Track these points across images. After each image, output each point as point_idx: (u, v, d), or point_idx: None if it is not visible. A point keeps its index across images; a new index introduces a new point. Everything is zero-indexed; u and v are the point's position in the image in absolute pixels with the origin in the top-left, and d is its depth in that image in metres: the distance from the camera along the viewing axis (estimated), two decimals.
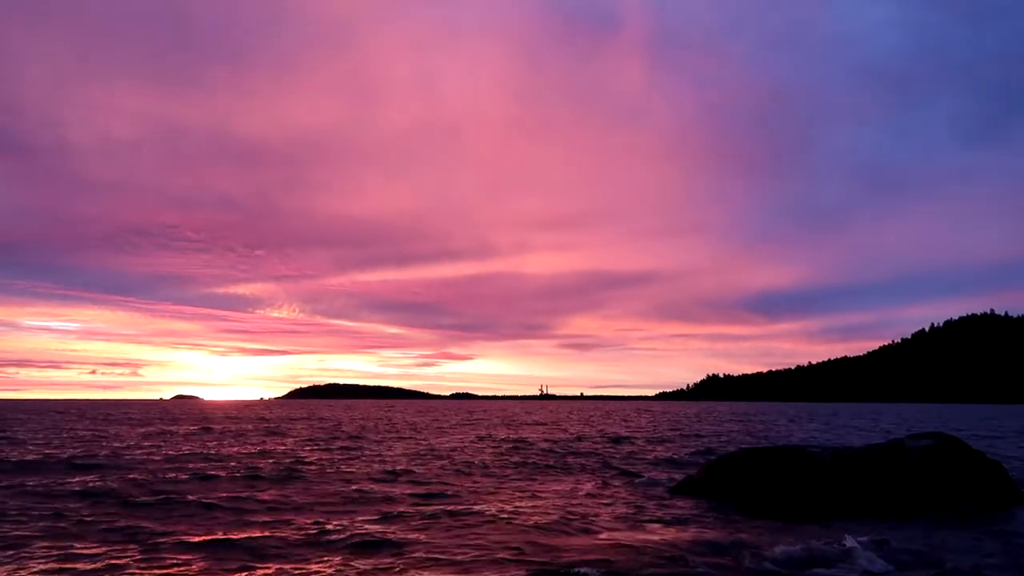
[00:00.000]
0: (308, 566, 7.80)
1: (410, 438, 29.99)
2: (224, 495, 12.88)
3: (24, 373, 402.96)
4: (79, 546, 8.69)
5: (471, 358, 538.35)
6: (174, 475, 15.59)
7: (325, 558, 8.17)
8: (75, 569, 7.62)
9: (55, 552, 8.37)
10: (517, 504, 12.05)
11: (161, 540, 9.07)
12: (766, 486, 12.74)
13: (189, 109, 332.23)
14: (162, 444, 25.44)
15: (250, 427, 39.02)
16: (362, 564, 7.86)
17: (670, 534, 9.61)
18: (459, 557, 8.14)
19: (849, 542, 8.78)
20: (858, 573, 7.49)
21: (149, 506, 11.74)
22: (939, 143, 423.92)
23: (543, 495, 13.31)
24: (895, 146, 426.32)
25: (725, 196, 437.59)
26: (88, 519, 10.48)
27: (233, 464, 18.17)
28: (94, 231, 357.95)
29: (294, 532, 9.66)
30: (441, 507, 11.58)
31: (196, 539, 9.15)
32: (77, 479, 14.85)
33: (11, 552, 8.36)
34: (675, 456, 21.34)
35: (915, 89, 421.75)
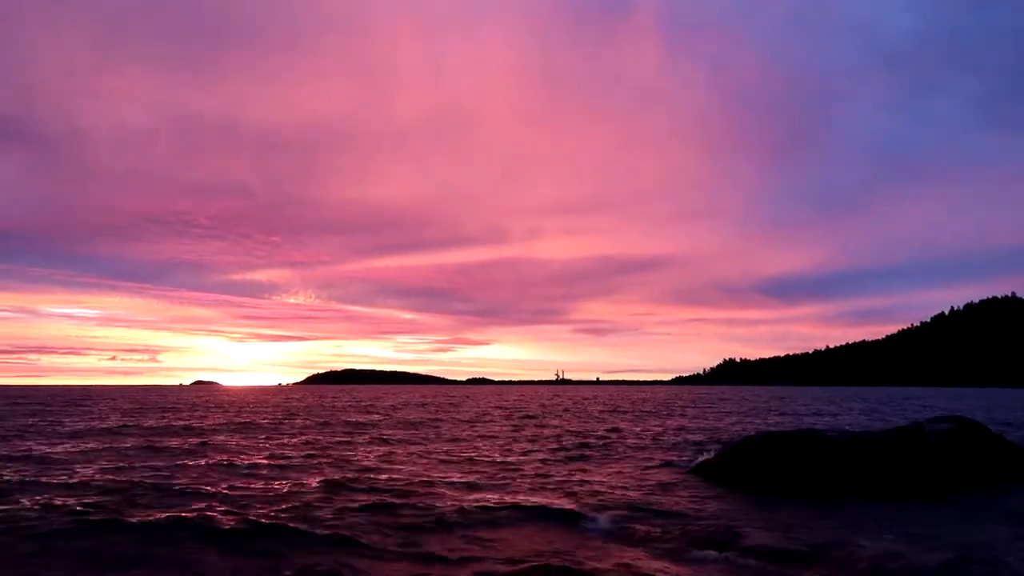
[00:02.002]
0: None
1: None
2: None
3: (45, 360, 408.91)
4: None
5: (487, 343, 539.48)
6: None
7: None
8: None
9: None
10: None
11: None
12: (782, 469, 12.68)
13: (203, 96, 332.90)
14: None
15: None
16: None
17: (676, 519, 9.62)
18: None
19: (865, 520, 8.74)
20: (874, 552, 7.44)
21: None
22: (956, 125, 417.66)
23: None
24: (912, 129, 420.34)
25: (740, 180, 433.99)
26: None
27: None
28: (110, 219, 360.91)
29: None
30: None
31: None
32: None
33: None
34: (691, 440, 21.30)
35: (932, 71, 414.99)
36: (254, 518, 9.07)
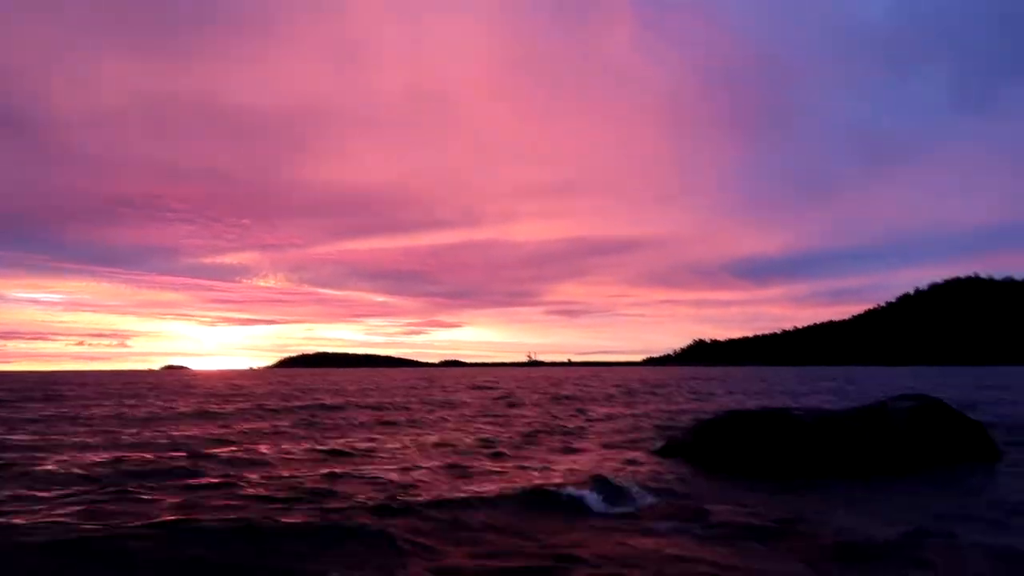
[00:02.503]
0: None
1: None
2: None
3: (11, 345, 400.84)
4: None
5: (459, 326, 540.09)
6: None
7: None
8: None
9: None
10: None
11: None
12: (750, 448, 12.88)
13: (174, 77, 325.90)
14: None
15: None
16: None
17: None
18: None
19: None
20: (831, 528, 7.62)
21: None
22: (927, 109, 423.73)
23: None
24: (884, 112, 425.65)
25: (712, 162, 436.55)
26: None
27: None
28: (79, 203, 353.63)
29: None
30: None
31: None
32: None
33: None
34: (661, 420, 21.53)
35: (905, 55, 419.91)
36: None
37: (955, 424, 13.57)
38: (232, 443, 15.68)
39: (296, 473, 11.46)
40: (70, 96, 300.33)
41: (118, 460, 12.48)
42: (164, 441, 16.01)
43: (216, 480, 10.74)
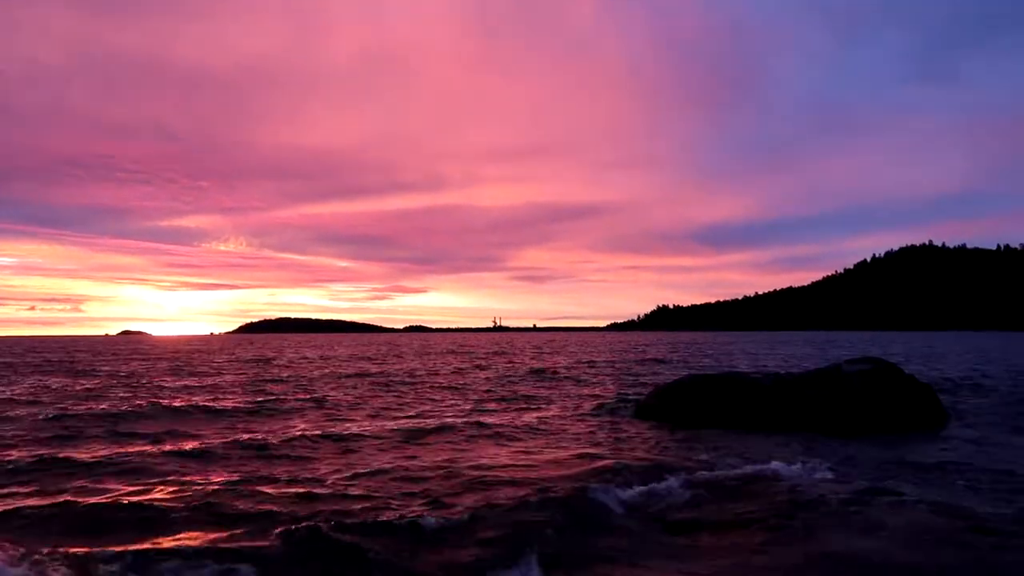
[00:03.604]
0: None
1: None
2: None
3: None
4: None
5: (424, 291, 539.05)
6: None
7: None
8: None
9: None
10: None
11: None
12: (711, 409, 13.16)
13: (122, 33, 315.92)
14: None
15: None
16: None
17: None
18: None
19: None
20: (792, 484, 7.82)
21: None
22: (884, 79, 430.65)
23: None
24: (842, 81, 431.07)
25: (676, 129, 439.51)
26: None
27: None
28: (24, 162, 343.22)
29: None
30: None
31: None
32: None
33: None
34: (625, 383, 21.83)
35: (863, 24, 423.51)
36: None
37: (906, 387, 13.94)
38: None
39: None
40: (10, 49, 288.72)
41: None
42: None
43: None
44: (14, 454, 10.07)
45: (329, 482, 8.37)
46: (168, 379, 25.37)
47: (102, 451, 10.37)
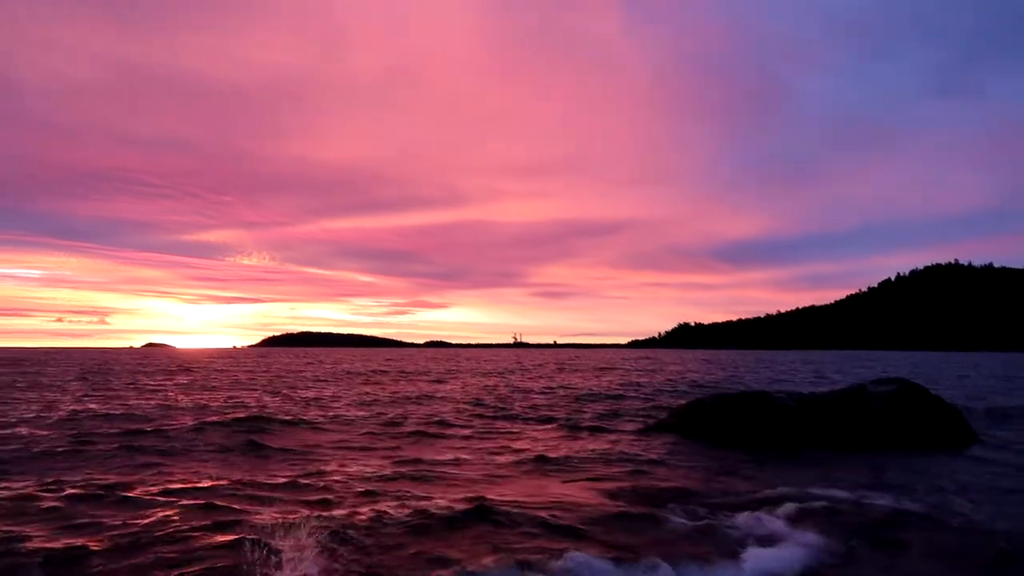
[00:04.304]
0: None
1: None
2: None
3: None
4: None
5: (445, 306, 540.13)
6: None
7: None
8: None
9: None
10: None
11: None
12: (734, 430, 13.15)
13: (150, 50, 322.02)
14: None
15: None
16: None
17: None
18: None
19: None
20: (825, 504, 7.83)
21: None
22: (908, 94, 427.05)
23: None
24: (866, 97, 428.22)
25: (697, 145, 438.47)
26: None
27: None
28: (53, 176, 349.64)
29: None
30: None
31: None
32: None
33: None
34: (645, 403, 21.81)
35: (886, 40, 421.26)
36: None
37: (932, 408, 13.86)
38: None
39: None
40: (39, 66, 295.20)
41: None
42: None
43: None
44: None
45: None
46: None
47: None
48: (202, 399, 21.93)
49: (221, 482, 9.11)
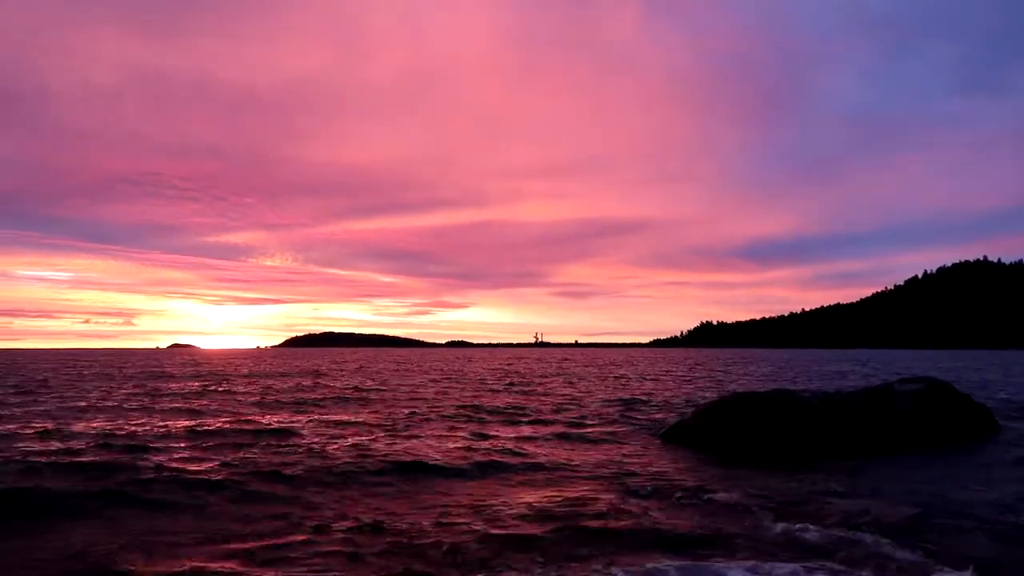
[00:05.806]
0: None
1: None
2: None
3: (17, 323, 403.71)
4: None
5: (466, 306, 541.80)
6: None
7: None
8: None
9: None
10: None
11: None
12: (755, 430, 12.90)
13: (173, 55, 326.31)
14: None
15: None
16: None
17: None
18: None
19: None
20: (844, 507, 7.67)
21: None
22: (932, 90, 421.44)
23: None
24: (889, 94, 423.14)
25: (718, 143, 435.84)
26: None
27: None
28: (79, 180, 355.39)
29: None
30: None
31: None
32: None
33: None
34: (666, 402, 21.63)
35: (909, 36, 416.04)
36: None
37: (961, 407, 13.60)
38: None
39: None
40: (66, 73, 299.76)
41: None
42: None
43: None
44: None
45: None
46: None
47: None
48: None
49: None
